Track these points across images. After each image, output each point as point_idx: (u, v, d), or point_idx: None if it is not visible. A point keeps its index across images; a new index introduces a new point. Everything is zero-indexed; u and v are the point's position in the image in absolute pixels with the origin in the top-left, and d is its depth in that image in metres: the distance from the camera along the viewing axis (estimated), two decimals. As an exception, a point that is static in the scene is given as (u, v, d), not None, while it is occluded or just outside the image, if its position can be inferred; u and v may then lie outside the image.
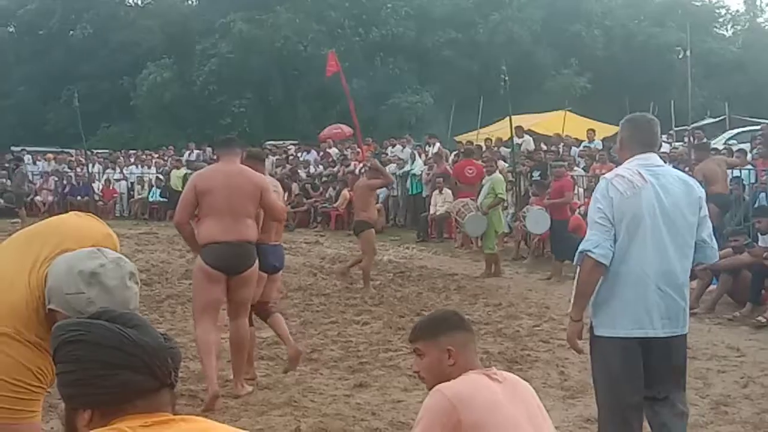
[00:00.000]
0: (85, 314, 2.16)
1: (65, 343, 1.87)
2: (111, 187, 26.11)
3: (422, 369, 3.26)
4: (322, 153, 24.79)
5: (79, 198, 25.14)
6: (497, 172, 14.18)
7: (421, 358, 3.25)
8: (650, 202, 4.13)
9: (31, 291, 3.05)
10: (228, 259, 6.22)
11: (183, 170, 22.20)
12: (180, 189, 13.55)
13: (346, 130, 27.21)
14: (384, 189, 20.51)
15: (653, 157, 4.36)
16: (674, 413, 4.29)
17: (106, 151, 30.53)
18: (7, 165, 26.15)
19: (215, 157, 7.71)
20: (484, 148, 19.72)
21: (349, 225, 20.05)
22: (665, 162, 6.49)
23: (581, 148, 19.63)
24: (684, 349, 4.44)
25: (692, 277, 5.45)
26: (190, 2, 44.29)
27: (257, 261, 6.43)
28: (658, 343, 4.18)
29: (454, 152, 20.16)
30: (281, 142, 28.52)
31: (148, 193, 24.87)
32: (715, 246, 4.43)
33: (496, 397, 2.98)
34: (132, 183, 26.05)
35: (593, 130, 20.77)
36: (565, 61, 35.96)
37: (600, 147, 19.09)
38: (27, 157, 28.22)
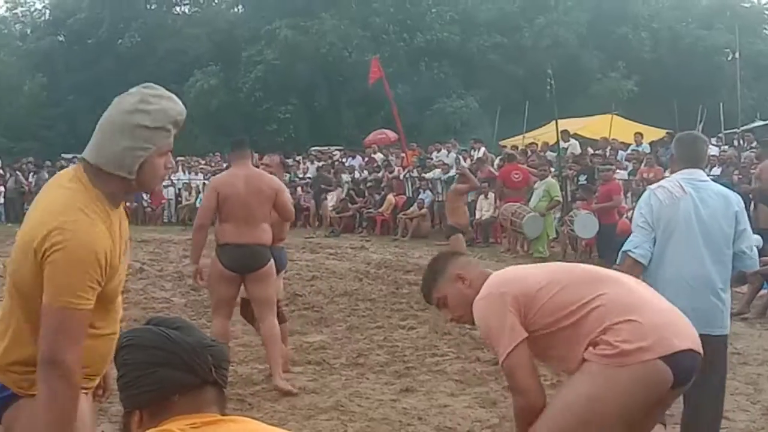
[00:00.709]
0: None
1: (119, 350, 1.97)
2: (159, 194, 26.38)
3: (453, 310, 3.57)
4: (367, 158, 24.85)
5: (128, 204, 25.38)
6: (550, 176, 14.13)
7: (446, 302, 3.56)
8: (687, 211, 4.51)
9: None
10: (241, 260, 6.54)
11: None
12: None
13: (391, 135, 27.24)
14: (429, 194, 20.55)
15: (697, 173, 4.72)
16: (707, 395, 4.53)
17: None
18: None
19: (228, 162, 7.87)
20: (528, 153, 19.62)
21: (394, 230, 20.14)
22: (715, 164, 6.92)
23: (629, 151, 19.45)
24: (723, 350, 4.68)
25: (743, 281, 5.44)
26: (236, 10, 44.65)
27: (272, 261, 6.72)
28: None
29: (499, 157, 20.09)
30: (326, 148, 28.65)
31: (196, 199, 25.06)
32: (755, 256, 4.69)
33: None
34: (179, 189, 26.30)
35: (641, 134, 20.57)
36: (612, 64, 35.58)
37: (647, 150, 18.88)
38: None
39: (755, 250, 4.69)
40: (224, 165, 25.99)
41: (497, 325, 3.30)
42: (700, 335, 3.87)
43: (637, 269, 4.47)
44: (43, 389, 2.61)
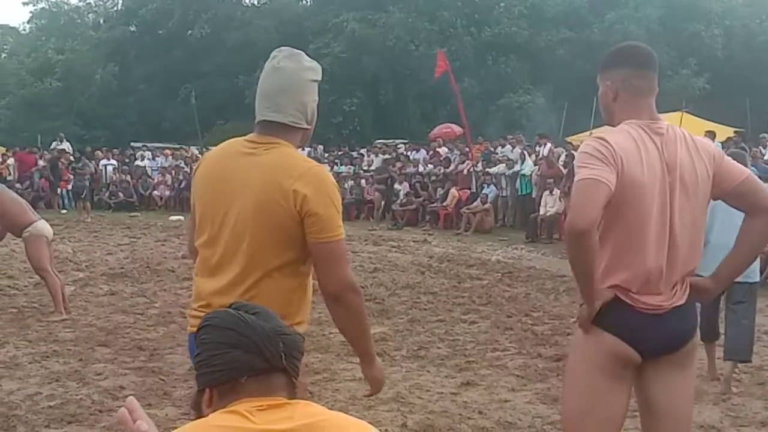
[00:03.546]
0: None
1: (199, 330, 2.02)
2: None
3: None
4: (431, 152, 24.79)
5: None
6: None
7: None
8: None
9: None
10: None
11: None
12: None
13: (456, 129, 27.13)
14: (493, 189, 20.44)
15: None
16: (737, 324, 6.63)
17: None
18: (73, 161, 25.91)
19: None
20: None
21: (457, 224, 20.07)
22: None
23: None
24: (755, 293, 6.76)
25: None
26: (304, 2, 44.96)
27: None
28: (732, 286, 6.21)
29: (565, 153, 19.89)
30: (391, 141, 28.67)
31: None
32: None
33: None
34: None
35: (713, 132, 20.16)
36: (683, 61, 34.97)
37: (719, 149, 18.53)
38: (147, 153, 29.12)
39: None
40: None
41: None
42: (737, 283, 6.09)
43: None
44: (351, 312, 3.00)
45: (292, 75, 3.06)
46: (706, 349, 6.75)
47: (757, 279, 6.84)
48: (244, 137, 3.12)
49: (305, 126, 3.08)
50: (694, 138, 3.29)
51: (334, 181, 3.04)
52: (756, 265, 6.58)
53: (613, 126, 3.30)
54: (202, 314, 2.65)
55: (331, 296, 2.95)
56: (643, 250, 3.10)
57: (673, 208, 3.13)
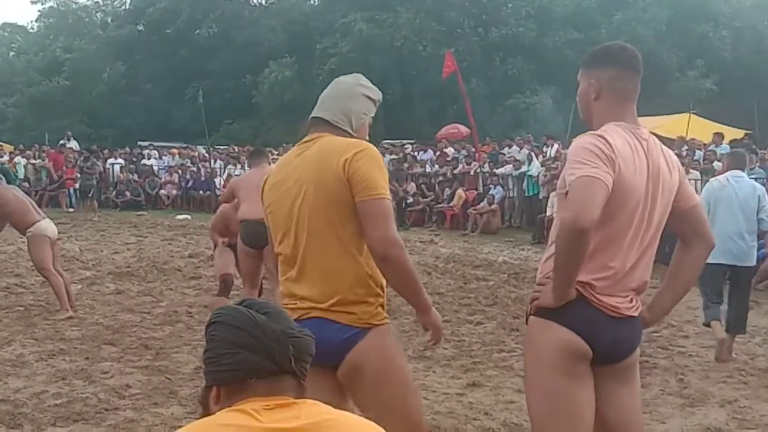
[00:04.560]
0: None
1: (208, 325, 2.01)
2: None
3: None
4: (438, 152, 24.76)
5: (201, 193, 25.84)
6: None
7: None
8: (729, 194, 7.77)
9: None
10: (255, 235, 7.46)
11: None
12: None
13: (463, 129, 27.10)
14: (500, 189, 20.42)
15: (739, 173, 7.99)
16: (734, 311, 7.84)
17: (228, 147, 31.24)
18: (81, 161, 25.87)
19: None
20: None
21: (464, 225, 20.05)
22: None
23: (707, 150, 19.04)
24: (749, 276, 8.29)
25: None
26: (311, 2, 44.95)
27: None
28: (733, 268, 7.76)
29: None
30: (398, 141, 28.64)
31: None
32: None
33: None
34: (252, 179, 26.41)
35: (721, 134, 20.09)
36: (691, 62, 34.84)
37: (726, 151, 18.44)
38: (154, 152, 29.12)
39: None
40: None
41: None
42: (733, 266, 7.70)
43: None
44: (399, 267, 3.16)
45: (346, 85, 3.46)
46: (728, 338, 7.62)
47: (754, 262, 8.40)
48: (296, 145, 3.45)
49: (348, 130, 3.36)
50: (664, 147, 3.29)
51: (379, 153, 3.33)
52: (753, 249, 7.92)
53: (590, 124, 3.28)
54: (293, 306, 3.22)
55: (379, 257, 3.14)
56: (619, 253, 3.10)
57: (650, 217, 3.13)
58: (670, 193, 3.18)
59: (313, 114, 3.41)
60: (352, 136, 3.34)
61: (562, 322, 3.12)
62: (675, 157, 3.29)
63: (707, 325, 7.86)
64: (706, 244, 3.27)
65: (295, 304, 3.25)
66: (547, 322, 3.16)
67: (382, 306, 3.33)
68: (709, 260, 5.35)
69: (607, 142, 3.03)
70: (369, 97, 3.46)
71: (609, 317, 3.12)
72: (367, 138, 3.46)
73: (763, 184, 11.13)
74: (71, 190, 25.23)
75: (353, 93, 3.43)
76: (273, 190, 3.43)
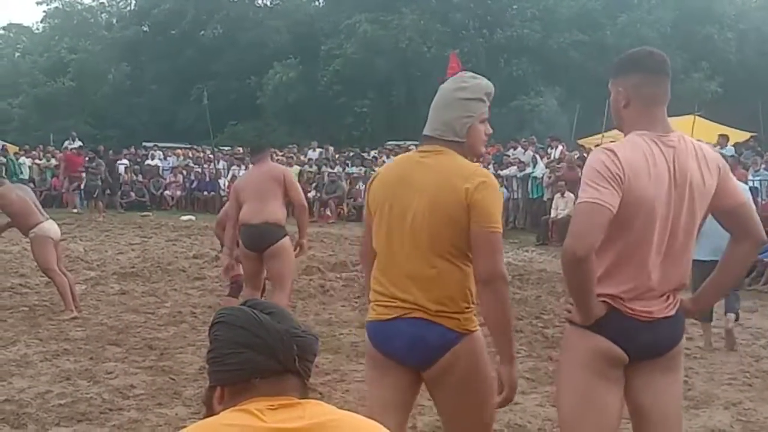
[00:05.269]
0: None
1: (212, 325, 2.01)
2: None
3: None
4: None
5: (205, 193, 25.85)
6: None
7: None
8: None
9: None
10: (253, 238, 7.48)
11: (296, 167, 23.41)
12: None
13: (467, 131, 27.05)
14: (504, 191, 20.40)
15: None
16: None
17: (231, 147, 31.20)
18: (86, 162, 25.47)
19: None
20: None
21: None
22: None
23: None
24: None
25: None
26: (316, 3, 44.96)
27: (285, 239, 7.57)
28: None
29: (577, 155, 19.83)
30: (402, 142, 28.62)
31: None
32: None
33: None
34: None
35: (726, 136, 20.07)
36: (696, 64, 34.78)
37: (731, 153, 18.44)
38: (159, 153, 29.09)
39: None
40: (301, 157, 26.29)
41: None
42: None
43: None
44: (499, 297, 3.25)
45: (443, 95, 3.47)
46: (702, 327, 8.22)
47: None
48: (416, 150, 3.52)
49: (455, 139, 3.38)
50: (703, 148, 3.29)
51: (497, 183, 3.47)
52: None
53: (623, 132, 3.30)
54: (393, 305, 3.35)
55: (482, 281, 3.25)
56: (643, 263, 3.11)
57: (676, 223, 3.14)
58: (703, 196, 3.18)
59: (423, 132, 3.47)
60: (461, 144, 3.38)
61: (599, 331, 3.16)
62: (716, 159, 3.30)
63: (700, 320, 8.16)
64: (754, 241, 3.28)
65: (394, 303, 3.35)
66: (584, 330, 3.20)
67: (475, 314, 3.41)
68: (702, 257, 5.58)
69: (615, 156, 3.06)
70: (468, 99, 3.41)
71: (643, 322, 3.15)
72: (486, 136, 3.48)
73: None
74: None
75: (448, 100, 3.43)
76: (393, 187, 3.45)
